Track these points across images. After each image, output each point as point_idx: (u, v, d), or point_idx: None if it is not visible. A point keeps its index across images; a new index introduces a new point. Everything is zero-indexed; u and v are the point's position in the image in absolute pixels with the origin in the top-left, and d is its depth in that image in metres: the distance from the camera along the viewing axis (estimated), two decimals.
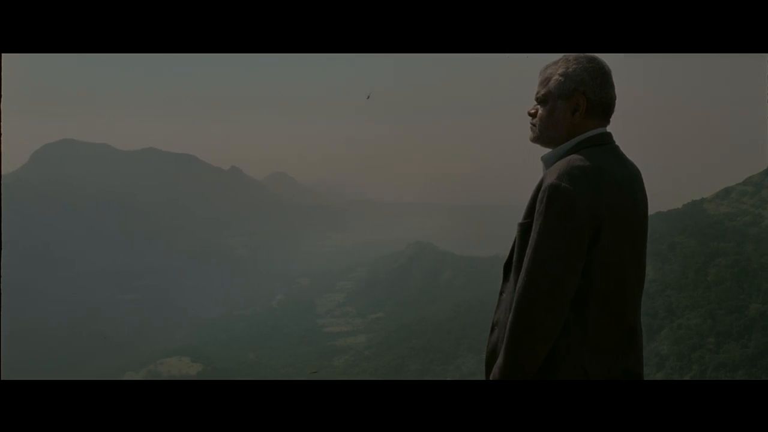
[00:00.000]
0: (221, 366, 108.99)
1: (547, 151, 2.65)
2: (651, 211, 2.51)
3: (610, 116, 2.63)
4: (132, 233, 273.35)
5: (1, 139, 3.31)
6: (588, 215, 2.28)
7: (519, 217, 2.49)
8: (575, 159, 2.40)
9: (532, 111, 2.69)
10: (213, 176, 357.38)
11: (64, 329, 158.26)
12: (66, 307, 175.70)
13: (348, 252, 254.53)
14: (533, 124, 2.69)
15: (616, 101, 2.64)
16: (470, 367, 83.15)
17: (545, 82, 2.65)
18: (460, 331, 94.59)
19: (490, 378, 2.45)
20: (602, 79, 2.57)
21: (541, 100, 2.65)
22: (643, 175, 2.59)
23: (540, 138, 2.67)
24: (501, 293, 2.67)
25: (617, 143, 2.61)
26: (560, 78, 2.59)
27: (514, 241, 2.58)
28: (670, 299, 61.66)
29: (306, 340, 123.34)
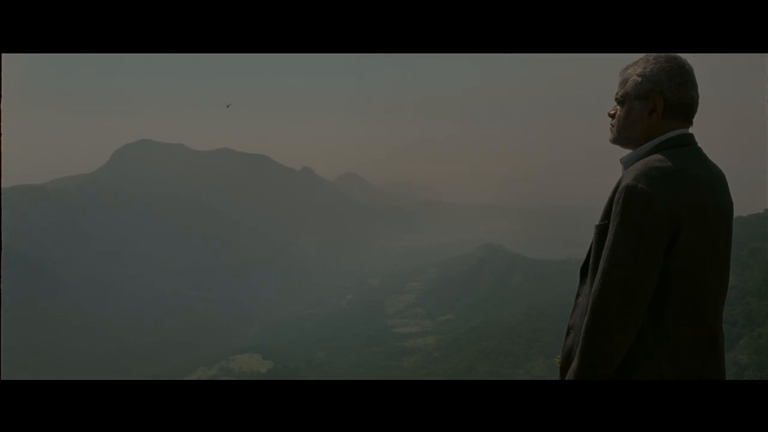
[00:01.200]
0: (291, 364, 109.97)
1: (626, 152, 2.60)
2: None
3: (692, 117, 2.55)
4: (205, 232, 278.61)
5: (2, 138, 3.18)
6: (666, 217, 2.22)
7: (595, 219, 2.50)
8: (654, 160, 2.36)
9: (612, 112, 2.66)
10: (285, 177, 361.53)
11: (139, 325, 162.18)
12: (141, 303, 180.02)
13: (418, 253, 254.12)
14: (612, 125, 2.65)
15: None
16: (541, 371, 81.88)
17: (624, 82, 2.61)
18: (530, 334, 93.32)
19: None
20: (681, 78, 2.50)
21: (620, 101, 2.61)
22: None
23: (618, 139, 2.63)
24: (577, 296, 2.62)
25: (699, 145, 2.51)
26: (638, 78, 2.54)
27: (591, 244, 2.52)
28: (749, 307, 59.48)
29: (375, 341, 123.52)
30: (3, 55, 2.94)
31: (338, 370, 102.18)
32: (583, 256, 2.65)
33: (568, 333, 2.61)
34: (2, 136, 3.22)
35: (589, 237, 2.59)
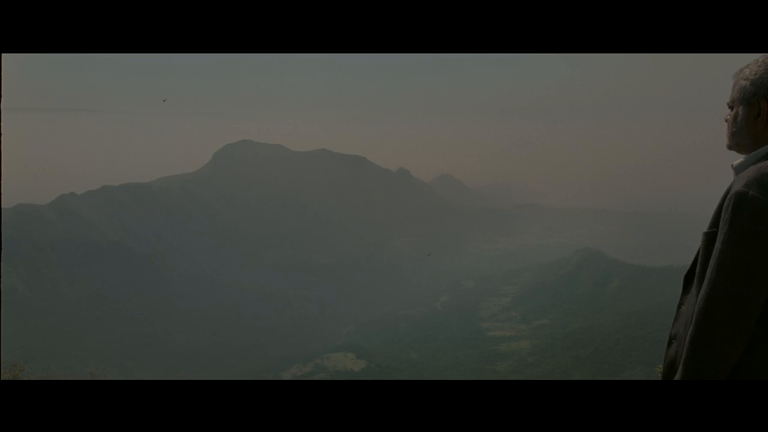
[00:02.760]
0: (384, 364, 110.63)
1: (740, 158, 2.54)
2: None
3: None
4: (303, 231, 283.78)
5: (1, 134, 3.37)
6: None
7: (700, 225, 2.43)
8: (766, 166, 2.28)
9: (727, 117, 2.61)
10: (381, 178, 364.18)
11: (237, 322, 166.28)
12: (239, 300, 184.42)
13: (514, 256, 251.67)
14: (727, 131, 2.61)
15: None
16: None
17: (734, 87, 2.57)
18: (628, 342, 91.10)
19: None
20: None
21: (730, 106, 2.58)
22: None
23: (731, 145, 2.59)
24: (680, 305, 2.53)
25: None
26: (744, 82, 2.49)
27: (698, 251, 2.45)
28: None
29: (468, 344, 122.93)
30: (11, 54, 3.03)
31: (431, 372, 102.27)
32: (685, 263, 2.65)
33: (670, 343, 2.53)
34: (2, 136, 3.41)
35: (693, 244, 2.53)
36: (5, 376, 11.22)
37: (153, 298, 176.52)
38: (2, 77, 3.13)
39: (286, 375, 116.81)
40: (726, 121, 2.61)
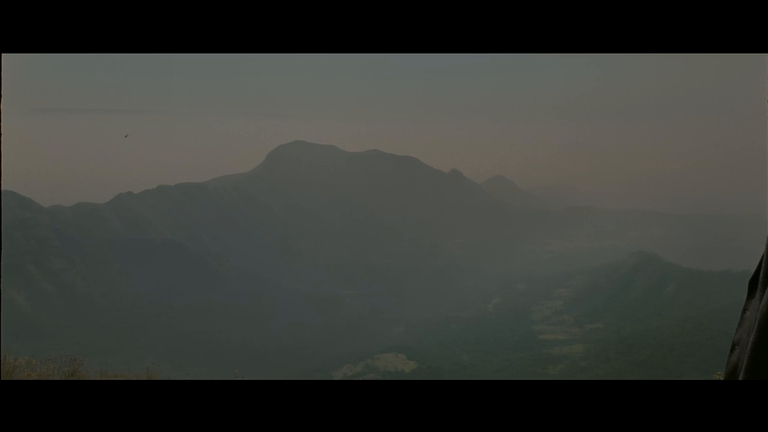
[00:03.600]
0: (435, 365, 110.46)
1: None
2: None
3: None
4: (355, 232, 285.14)
5: (1, 133, 3.49)
6: None
7: (764, 229, 2.32)
8: None
9: None
10: (433, 178, 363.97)
11: (292, 320, 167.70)
12: (293, 299, 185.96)
13: (567, 259, 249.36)
14: None
15: None
16: None
17: None
18: (684, 348, 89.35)
19: None
20: None
21: None
22: None
23: None
24: (744, 310, 2.45)
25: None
26: None
27: (762, 256, 2.39)
28: None
29: (520, 346, 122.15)
30: (8, 55, 3.16)
31: (482, 374, 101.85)
32: (746, 268, 2.59)
33: (732, 349, 2.44)
34: (2, 136, 3.50)
35: (754, 247, 2.48)
36: (64, 370, 11.59)
37: (207, 297, 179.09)
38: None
39: (337, 375, 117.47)
40: None
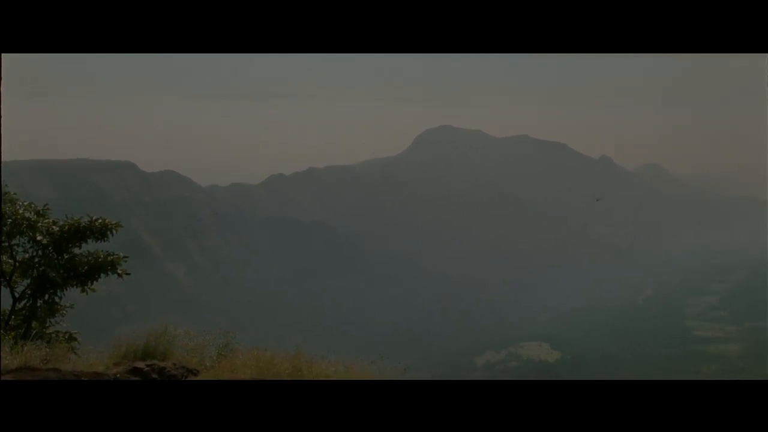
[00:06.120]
0: (580, 355, 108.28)
1: None
2: None
3: None
4: (501, 217, 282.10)
5: (1, 132, 3.40)
6: None
7: None
8: None
9: None
10: (583, 165, 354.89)
11: (431, 306, 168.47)
12: (433, 283, 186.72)
13: (725, 252, 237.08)
14: None
15: None
16: None
17: None
18: None
19: None
20: None
21: None
22: None
23: None
24: None
25: None
26: None
27: None
28: None
29: (671, 342, 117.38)
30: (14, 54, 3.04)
31: (629, 368, 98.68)
32: None
33: None
34: (2, 135, 3.45)
35: None
36: (219, 342, 11.96)
37: (353, 278, 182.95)
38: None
39: (480, 361, 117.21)
40: None
